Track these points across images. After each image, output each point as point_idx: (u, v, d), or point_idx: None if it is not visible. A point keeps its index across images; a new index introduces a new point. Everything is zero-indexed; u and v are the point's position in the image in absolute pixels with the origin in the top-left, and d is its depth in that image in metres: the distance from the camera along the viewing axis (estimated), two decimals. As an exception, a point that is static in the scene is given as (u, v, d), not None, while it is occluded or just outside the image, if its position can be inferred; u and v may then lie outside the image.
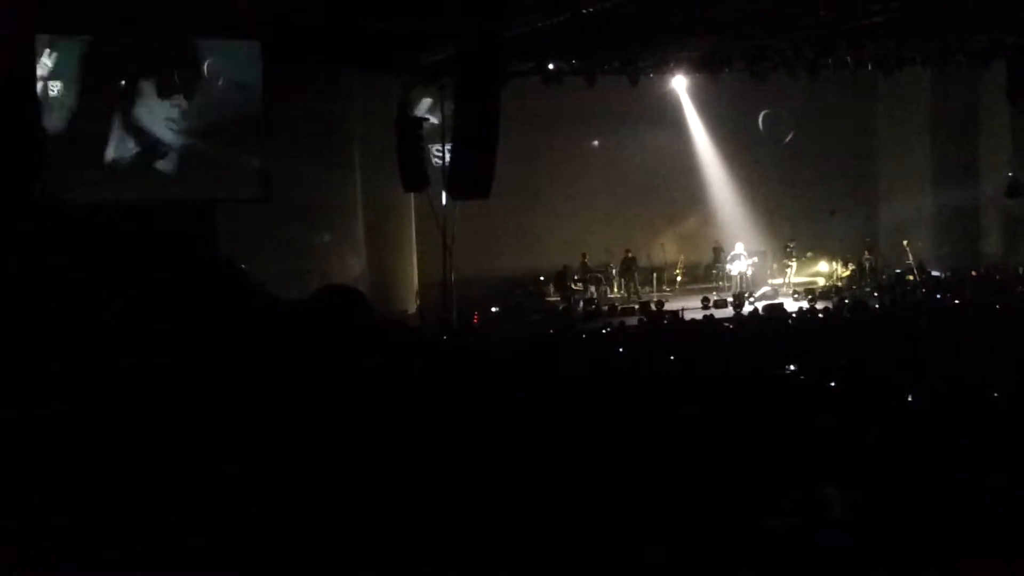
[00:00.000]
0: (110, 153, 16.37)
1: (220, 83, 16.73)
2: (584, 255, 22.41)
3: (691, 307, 19.48)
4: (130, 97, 16.45)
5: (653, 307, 19.61)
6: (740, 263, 22.15)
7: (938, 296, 18.98)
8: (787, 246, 22.84)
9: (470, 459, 3.88)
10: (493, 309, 20.40)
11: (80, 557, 3.00)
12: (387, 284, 19.36)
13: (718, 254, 23.23)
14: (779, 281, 22.69)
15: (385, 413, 3.82)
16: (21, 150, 12.54)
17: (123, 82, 16.35)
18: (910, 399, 6.85)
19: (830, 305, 18.95)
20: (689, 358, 11.05)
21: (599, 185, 23.59)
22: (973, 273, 21.50)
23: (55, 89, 15.66)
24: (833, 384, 6.89)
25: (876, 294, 20.84)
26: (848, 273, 23.01)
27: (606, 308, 20.61)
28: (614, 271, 22.82)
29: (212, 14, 15.22)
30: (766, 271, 23.06)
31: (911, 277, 22.03)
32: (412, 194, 19.43)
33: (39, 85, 15.19)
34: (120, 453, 3.32)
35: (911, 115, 23.83)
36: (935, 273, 22.40)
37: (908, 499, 4.22)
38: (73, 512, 3.12)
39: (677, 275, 23.18)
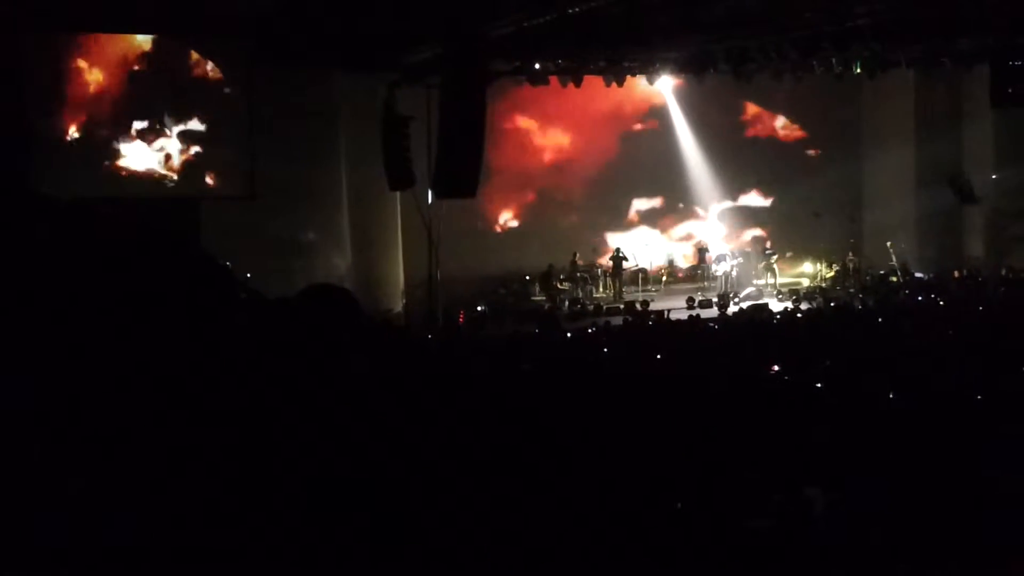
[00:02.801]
0: (97, 150, 16.31)
1: (207, 81, 16.69)
2: (575, 254, 22.46)
3: (676, 307, 19.52)
4: (118, 95, 16.40)
5: (638, 307, 19.65)
6: (724, 263, 22.22)
7: (920, 298, 19.08)
8: (765, 249, 22.94)
9: (455, 458, 3.89)
10: (479, 308, 20.42)
11: (71, 557, 3.00)
12: (373, 283, 19.33)
13: (703, 254, 23.31)
14: (763, 282, 22.77)
15: (372, 411, 3.82)
16: (10, 147, 12.52)
17: (111, 79, 16.30)
18: (892, 399, 6.89)
19: (814, 306, 19.03)
20: (674, 359, 11.08)
21: (585, 185, 23.64)
22: (956, 274, 21.64)
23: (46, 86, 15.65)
24: (817, 385, 6.92)
25: (860, 295, 20.96)
26: (832, 274, 23.13)
27: (591, 308, 20.65)
28: (599, 270, 22.86)
29: (200, 13, 15.20)
30: (750, 272, 23.13)
31: (895, 278, 22.15)
32: (398, 193, 19.42)
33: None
34: (108, 450, 3.32)
35: (895, 117, 23.95)
36: (918, 274, 22.54)
37: (889, 498, 4.25)
38: (63, 510, 3.11)
39: (662, 275, 23.25)
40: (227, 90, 16.78)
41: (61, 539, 3.05)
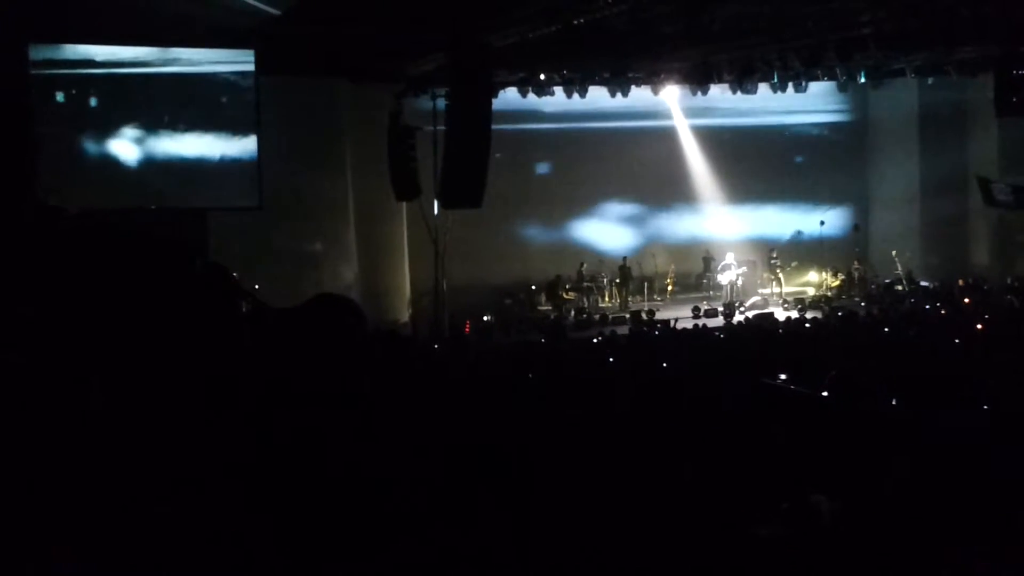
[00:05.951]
0: (104, 160, 16.38)
1: (213, 91, 16.76)
2: (582, 264, 22.51)
3: (682, 316, 19.52)
4: (123, 104, 16.48)
5: (644, 316, 19.65)
6: (730, 273, 22.23)
7: (927, 307, 19.07)
8: (771, 258, 22.94)
9: (460, 467, 3.90)
10: (485, 318, 20.44)
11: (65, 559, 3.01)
12: (379, 293, 19.37)
13: (708, 264, 23.32)
14: (769, 291, 22.77)
15: (380, 422, 3.84)
16: (14, 158, 12.56)
17: (117, 89, 16.38)
18: (898, 407, 6.90)
19: (819, 315, 19.02)
20: (680, 367, 11.08)
21: (590, 195, 23.70)
22: (961, 282, 21.62)
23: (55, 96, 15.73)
24: (823, 394, 6.92)
25: (865, 304, 20.95)
26: (838, 283, 23.10)
27: (597, 317, 20.66)
28: (605, 280, 22.89)
29: (206, 23, 15.26)
30: (756, 281, 23.13)
31: (900, 287, 22.14)
32: (404, 203, 19.47)
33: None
34: (107, 459, 3.33)
35: (900, 126, 23.96)
36: (924, 283, 22.53)
37: (896, 507, 4.26)
38: (60, 515, 3.13)
39: (668, 285, 23.26)
40: (234, 101, 16.84)
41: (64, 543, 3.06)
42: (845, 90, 22.51)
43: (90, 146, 16.32)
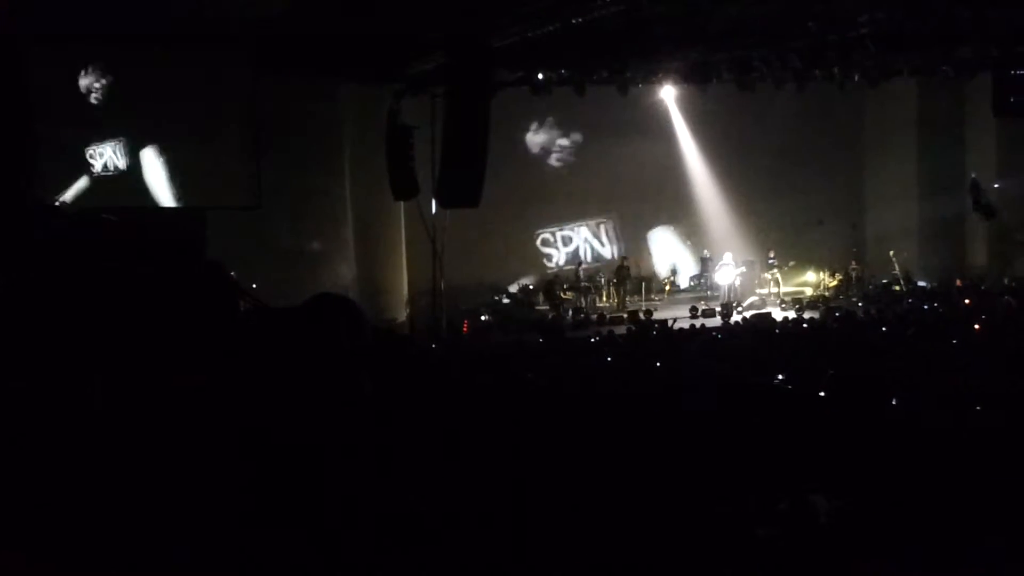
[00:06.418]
0: (102, 159, 16.39)
1: (211, 90, 16.75)
2: (580, 263, 22.54)
3: (680, 316, 19.53)
4: (122, 103, 16.47)
5: (642, 316, 19.66)
6: (728, 272, 22.23)
7: (925, 307, 19.10)
8: (768, 258, 22.93)
9: (459, 468, 3.91)
10: (483, 317, 20.45)
11: (69, 558, 3.02)
12: (377, 292, 19.37)
13: (706, 263, 23.33)
14: (766, 291, 22.78)
15: (379, 423, 3.84)
16: (14, 158, 12.57)
17: (115, 88, 16.37)
18: (896, 407, 6.91)
19: (817, 315, 19.03)
20: (677, 367, 11.09)
21: (588, 194, 23.71)
22: (958, 283, 21.65)
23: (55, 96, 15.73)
24: (821, 394, 6.93)
25: (862, 304, 20.98)
26: (835, 283, 23.13)
27: (595, 317, 20.68)
28: (603, 280, 22.90)
29: (203, 21, 15.25)
30: (754, 281, 23.14)
31: (897, 287, 22.17)
32: (402, 202, 19.47)
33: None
34: (108, 458, 3.33)
35: (898, 126, 23.98)
36: (921, 283, 22.55)
37: (895, 507, 4.27)
38: (62, 515, 3.13)
39: (665, 284, 23.28)
40: (232, 99, 16.84)
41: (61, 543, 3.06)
42: (843, 89, 22.50)
43: (90, 146, 16.32)
